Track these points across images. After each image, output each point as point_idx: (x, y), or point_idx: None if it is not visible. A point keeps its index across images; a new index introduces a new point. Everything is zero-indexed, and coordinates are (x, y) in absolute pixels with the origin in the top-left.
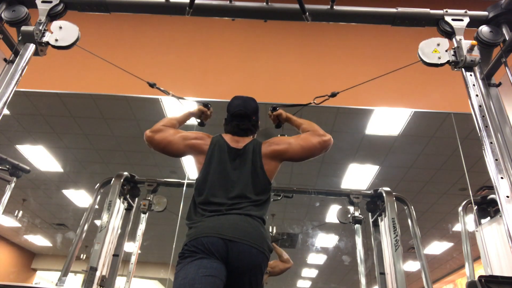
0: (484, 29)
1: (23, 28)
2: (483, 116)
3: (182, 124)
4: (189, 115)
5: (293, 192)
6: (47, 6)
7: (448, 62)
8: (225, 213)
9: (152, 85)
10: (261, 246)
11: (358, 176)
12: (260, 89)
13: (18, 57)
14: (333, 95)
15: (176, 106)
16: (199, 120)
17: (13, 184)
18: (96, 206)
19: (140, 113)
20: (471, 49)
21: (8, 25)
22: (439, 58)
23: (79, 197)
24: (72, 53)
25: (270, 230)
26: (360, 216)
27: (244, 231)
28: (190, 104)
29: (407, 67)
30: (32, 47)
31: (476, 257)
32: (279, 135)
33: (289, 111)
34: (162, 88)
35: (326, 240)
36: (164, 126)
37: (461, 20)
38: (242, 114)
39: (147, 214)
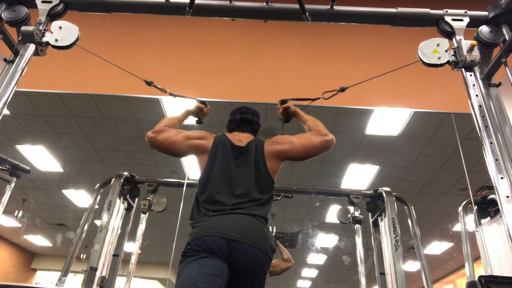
0: (484, 29)
1: (23, 28)
2: (483, 116)
3: (182, 123)
4: (187, 114)
5: (293, 192)
6: (47, 6)
7: (448, 62)
8: (228, 213)
9: (149, 83)
10: (264, 246)
11: (358, 176)
12: (260, 89)
13: (18, 57)
14: (342, 89)
15: (176, 106)
16: (197, 118)
17: (13, 184)
18: (96, 206)
19: (140, 113)
20: (471, 49)
21: (8, 25)
22: (439, 58)
23: (79, 197)
24: (72, 53)
25: (270, 230)
26: (360, 216)
27: (247, 231)
28: (189, 103)
29: (407, 67)
30: (32, 47)
31: (476, 257)
32: (279, 134)
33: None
34: (159, 86)
35: (326, 240)
36: (166, 127)
37: (461, 20)
38: (246, 112)
39: (147, 214)
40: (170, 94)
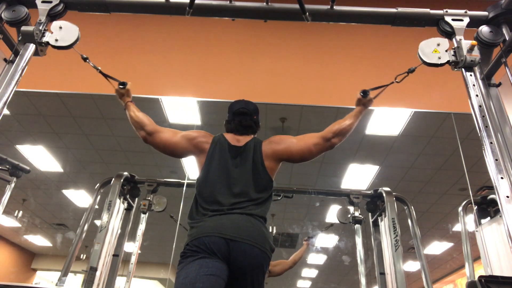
0: (484, 29)
1: (23, 28)
2: (483, 116)
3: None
4: (132, 103)
5: (293, 192)
6: (47, 6)
7: (448, 62)
8: (227, 213)
9: (84, 59)
10: (263, 245)
11: (358, 176)
12: (260, 89)
13: (18, 57)
14: (411, 70)
15: (176, 106)
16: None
17: (13, 184)
18: (96, 206)
19: None
20: (471, 49)
21: (8, 25)
22: (439, 58)
23: (79, 197)
24: (72, 53)
25: (270, 230)
26: (360, 216)
27: (246, 231)
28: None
29: (406, 67)
30: (32, 47)
31: (476, 257)
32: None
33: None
34: (92, 63)
35: (326, 240)
36: (154, 124)
37: (461, 20)
38: (244, 112)
39: (147, 214)
40: (100, 72)
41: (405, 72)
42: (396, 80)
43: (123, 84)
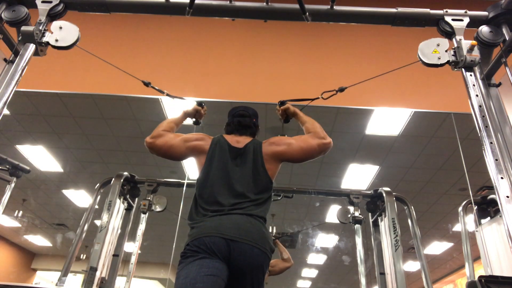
0: (484, 29)
1: (23, 28)
2: (483, 116)
3: (180, 125)
4: (184, 116)
5: (293, 192)
6: (47, 6)
7: (448, 62)
8: (227, 213)
9: (147, 84)
10: (263, 246)
11: (358, 176)
12: (260, 89)
13: (18, 57)
14: (341, 90)
15: (176, 107)
16: (194, 119)
17: (13, 184)
18: (96, 206)
19: (140, 113)
20: (471, 49)
21: (8, 25)
22: (439, 58)
23: (79, 197)
24: (72, 53)
25: (270, 230)
26: (360, 216)
27: (246, 231)
28: (187, 104)
29: (406, 67)
30: (32, 47)
31: (476, 257)
32: (279, 135)
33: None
34: (157, 87)
35: (326, 240)
36: (164, 131)
37: (461, 20)
38: (243, 114)
39: (147, 214)
40: (168, 95)
41: (334, 90)
42: (322, 96)
43: (201, 104)
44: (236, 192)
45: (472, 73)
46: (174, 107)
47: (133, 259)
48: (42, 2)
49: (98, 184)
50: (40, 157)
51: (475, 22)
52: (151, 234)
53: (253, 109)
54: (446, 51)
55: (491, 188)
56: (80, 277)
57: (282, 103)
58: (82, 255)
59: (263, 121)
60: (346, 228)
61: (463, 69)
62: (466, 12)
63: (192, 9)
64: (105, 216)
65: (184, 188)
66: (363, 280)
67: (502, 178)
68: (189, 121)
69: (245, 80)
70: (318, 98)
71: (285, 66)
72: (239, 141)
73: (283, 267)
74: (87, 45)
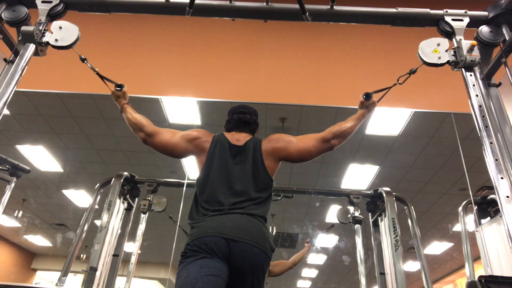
0: (484, 29)
1: (23, 28)
2: (483, 116)
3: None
4: (128, 105)
5: (293, 192)
6: (47, 6)
7: (448, 62)
8: (227, 213)
9: (83, 60)
10: (263, 245)
11: (358, 176)
12: (260, 89)
13: (18, 57)
14: (413, 71)
15: (176, 106)
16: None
17: (13, 184)
18: (96, 206)
19: (140, 113)
20: (471, 49)
21: (8, 25)
22: (439, 58)
23: (79, 197)
24: (72, 53)
25: (270, 230)
26: (360, 216)
27: (246, 231)
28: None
29: (406, 67)
30: (32, 47)
31: (476, 257)
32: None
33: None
34: (89, 64)
35: (326, 240)
36: (153, 125)
37: (461, 20)
38: (243, 111)
39: (147, 214)
40: (98, 74)
41: (407, 73)
42: (399, 82)
43: (120, 86)
44: (236, 191)
45: (472, 73)
46: (174, 107)
47: (133, 259)
48: (42, 2)
49: (98, 184)
50: (40, 157)
51: (475, 22)
52: (151, 234)
53: (253, 108)
54: (446, 51)
55: (491, 188)
56: (80, 277)
57: (367, 96)
58: (82, 255)
59: (263, 121)
60: (346, 228)
61: (463, 69)
62: (466, 12)
63: (192, 9)
64: (105, 216)
65: (184, 188)
66: (363, 280)
67: (502, 178)
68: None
69: (245, 80)
70: (395, 84)
71: (285, 66)
72: (239, 139)
73: (284, 269)
74: (87, 45)
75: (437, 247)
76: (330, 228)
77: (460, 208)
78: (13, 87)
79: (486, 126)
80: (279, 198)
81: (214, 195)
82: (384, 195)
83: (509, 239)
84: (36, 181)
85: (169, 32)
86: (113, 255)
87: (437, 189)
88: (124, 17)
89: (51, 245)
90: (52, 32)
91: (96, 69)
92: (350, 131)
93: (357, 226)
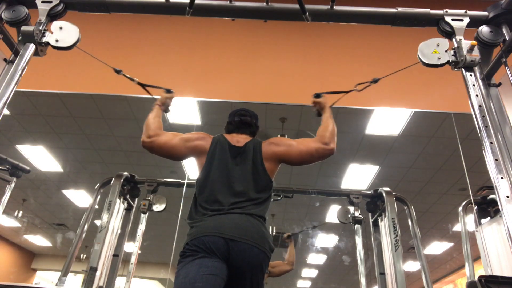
0: (484, 29)
1: (23, 28)
2: (483, 116)
3: (161, 117)
4: (160, 106)
5: (293, 192)
6: (47, 6)
7: (448, 62)
8: (227, 213)
9: (118, 71)
10: (262, 245)
11: (358, 176)
12: (260, 89)
13: (18, 57)
14: (375, 81)
15: (176, 106)
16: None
17: (13, 184)
18: (96, 206)
19: (140, 113)
20: (471, 49)
21: (8, 25)
22: (439, 58)
23: (79, 197)
24: (72, 53)
25: (270, 230)
26: (360, 216)
27: (245, 230)
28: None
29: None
30: (32, 47)
31: (476, 257)
32: (279, 135)
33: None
34: (127, 75)
35: (326, 240)
36: (158, 129)
37: (461, 20)
38: (244, 114)
39: (147, 214)
40: (138, 83)
41: (368, 81)
42: (357, 88)
43: (169, 91)
44: (236, 191)
45: (472, 73)
46: (174, 107)
47: (133, 259)
48: (42, 2)
49: (98, 184)
50: (40, 157)
51: (475, 22)
52: (151, 234)
53: (254, 112)
54: (446, 51)
55: (491, 188)
56: (80, 277)
57: (317, 95)
58: (82, 255)
59: (262, 121)
60: (346, 228)
61: (463, 69)
62: (466, 12)
63: (192, 9)
64: (105, 216)
65: (184, 188)
66: (363, 280)
67: (502, 178)
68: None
69: (245, 80)
70: (352, 90)
71: (285, 66)
72: (239, 140)
73: (283, 270)
74: (87, 45)
75: (437, 247)
76: (313, 228)
77: (460, 208)
78: (13, 87)
79: (486, 126)
80: (279, 198)
81: (213, 195)
82: (384, 195)
83: (509, 239)
84: (36, 181)
85: (169, 32)
86: (113, 255)
87: (437, 189)
88: (124, 17)
89: (51, 245)
90: (52, 32)
91: (136, 79)
92: (335, 130)
93: (357, 226)
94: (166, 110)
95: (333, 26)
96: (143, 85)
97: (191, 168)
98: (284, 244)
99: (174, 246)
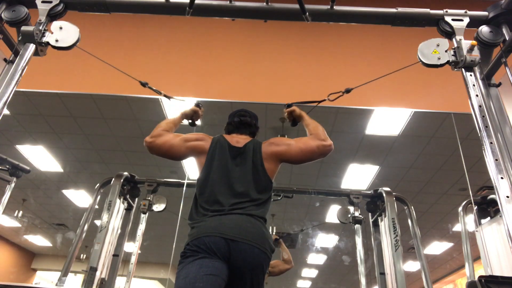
0: (484, 29)
1: (23, 28)
2: (483, 116)
3: (178, 125)
4: (182, 116)
5: (293, 192)
6: (47, 6)
7: (448, 62)
8: (227, 213)
9: (144, 84)
10: (263, 245)
11: (358, 176)
12: (260, 89)
13: (18, 57)
14: (347, 91)
15: (176, 107)
16: (190, 121)
17: (13, 184)
18: (96, 206)
19: (140, 113)
20: (471, 49)
21: (8, 25)
22: (439, 58)
23: (79, 197)
24: (72, 53)
25: (270, 230)
26: (360, 216)
27: (246, 231)
28: (185, 104)
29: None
30: (32, 47)
31: (476, 257)
32: (279, 135)
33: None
34: (154, 88)
35: (326, 240)
36: (163, 131)
37: (461, 20)
38: (244, 114)
39: (147, 214)
40: (165, 96)
41: (341, 91)
42: (329, 98)
43: (198, 105)
44: (236, 192)
45: (472, 73)
46: (174, 107)
47: (133, 259)
48: (42, 2)
49: (98, 184)
50: (40, 157)
51: (475, 22)
52: (151, 234)
53: (254, 113)
54: (446, 51)
55: (491, 188)
56: (80, 277)
57: (288, 105)
58: (82, 255)
59: (263, 121)
60: (346, 228)
61: (463, 69)
62: (466, 12)
63: (192, 9)
64: (105, 216)
65: (184, 188)
66: (363, 280)
67: (502, 178)
68: (185, 121)
69: (245, 80)
70: (324, 100)
71: (285, 66)
72: (239, 140)
73: (283, 268)
74: (87, 45)
75: (437, 247)
76: (301, 231)
77: (460, 208)
78: (13, 87)
79: (486, 126)
80: (279, 198)
81: (214, 196)
82: (384, 195)
83: (509, 239)
84: (36, 181)
85: (169, 32)
86: (113, 255)
87: (437, 189)
88: (124, 17)
89: (51, 245)
90: (52, 32)
91: (162, 92)
92: (323, 128)
93: (357, 226)
94: (193, 124)
95: (333, 26)
96: (169, 97)
97: (191, 168)
98: (276, 245)
99: (174, 246)
